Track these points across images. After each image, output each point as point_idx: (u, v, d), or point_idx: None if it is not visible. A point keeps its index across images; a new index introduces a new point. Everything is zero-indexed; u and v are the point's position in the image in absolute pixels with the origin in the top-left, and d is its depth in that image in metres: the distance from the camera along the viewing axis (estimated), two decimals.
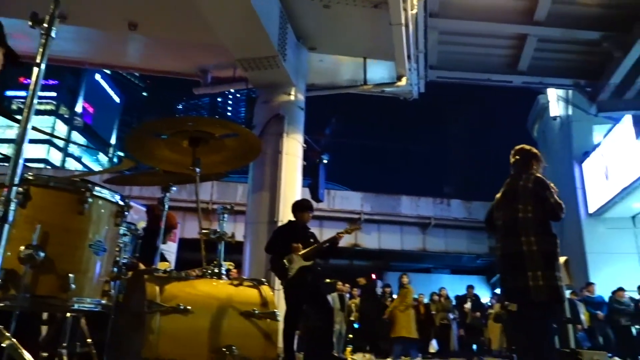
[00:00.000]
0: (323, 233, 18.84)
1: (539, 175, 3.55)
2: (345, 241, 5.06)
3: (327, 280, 10.38)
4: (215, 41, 7.70)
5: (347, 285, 10.79)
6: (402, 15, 7.55)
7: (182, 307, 1.92)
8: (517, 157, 3.74)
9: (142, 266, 2.89)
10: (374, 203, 21.37)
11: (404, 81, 9.69)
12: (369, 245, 20.88)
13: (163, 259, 3.97)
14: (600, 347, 9.71)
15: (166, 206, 2.66)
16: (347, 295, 10.60)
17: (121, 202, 2.07)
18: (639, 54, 9.28)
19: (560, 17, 9.81)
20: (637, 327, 10.42)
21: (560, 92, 16.98)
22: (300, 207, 5.19)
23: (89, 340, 2.32)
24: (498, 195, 3.75)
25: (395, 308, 9.79)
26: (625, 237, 15.86)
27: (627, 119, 12.39)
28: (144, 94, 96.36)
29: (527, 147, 3.78)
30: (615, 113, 12.23)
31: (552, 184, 3.54)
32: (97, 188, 1.95)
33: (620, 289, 10.72)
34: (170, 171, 2.65)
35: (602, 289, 11.29)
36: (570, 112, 17.23)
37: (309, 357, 5.00)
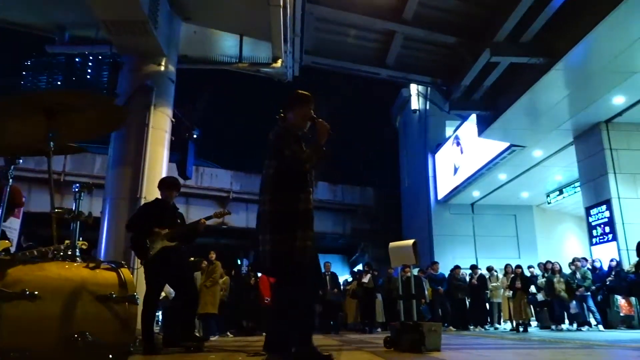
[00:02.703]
0: (190, 211, 18.37)
1: (282, 126, 3.08)
2: (211, 220, 5.00)
3: (192, 259, 10.15)
4: None
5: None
6: None
7: (27, 293, 1.76)
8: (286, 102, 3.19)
9: None
10: (243, 182, 21.31)
11: (279, 63, 9.75)
12: (236, 224, 20.83)
13: (3, 237, 3.56)
14: (438, 319, 11.00)
15: (11, 181, 2.38)
16: None
17: None
18: (486, 62, 10.46)
19: (424, 19, 10.66)
20: (469, 300, 11.96)
21: (421, 88, 18.52)
22: (165, 185, 5.00)
23: None
24: None
25: (201, 284, 9.21)
26: (465, 221, 18.06)
27: (473, 118, 13.99)
28: None
29: (299, 91, 3.18)
30: (464, 112, 13.70)
31: (321, 120, 3.06)
32: None
33: (457, 267, 12.21)
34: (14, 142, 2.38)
35: (444, 267, 12.77)
36: (427, 107, 18.91)
37: (169, 337, 4.88)
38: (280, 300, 2.95)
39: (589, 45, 8.70)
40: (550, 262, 11.01)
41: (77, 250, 2.17)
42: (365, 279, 11.79)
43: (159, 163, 7.72)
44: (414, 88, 19.24)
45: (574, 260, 10.71)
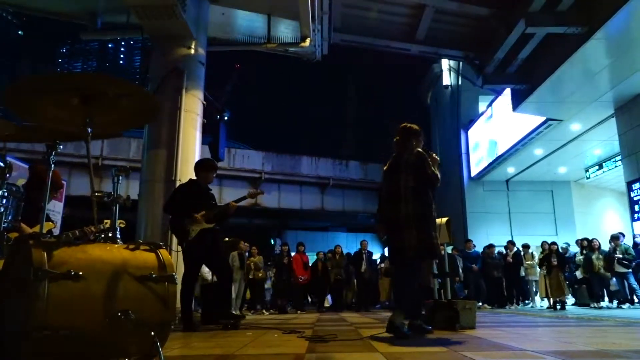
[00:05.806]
0: (223, 192, 18.67)
1: (420, 149, 3.87)
2: (245, 200, 5.08)
3: (227, 239, 10.35)
4: None
5: (246, 244, 10.85)
6: None
7: (72, 273, 1.84)
8: (399, 136, 4.02)
9: (25, 227, 2.69)
10: (275, 162, 21.48)
11: (307, 42, 9.66)
12: (269, 204, 21.09)
13: (47, 219, 3.71)
14: (473, 297, 10.91)
15: (52, 165, 2.47)
16: (246, 253, 10.68)
17: (0, 163, 1.89)
18: (520, 33, 10.09)
19: None
20: (504, 278, 11.79)
21: (452, 63, 18.05)
22: (204, 167, 5.07)
23: None
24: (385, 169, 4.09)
25: None
26: (500, 198, 17.72)
27: (507, 92, 13.58)
28: (20, 32, 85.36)
29: (408, 125, 4.05)
30: (497, 86, 13.31)
31: (434, 154, 3.92)
32: None
33: (491, 246, 12.03)
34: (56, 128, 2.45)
35: (479, 245, 12.60)
36: (460, 82, 18.47)
37: (207, 315, 5.03)
38: (416, 280, 3.85)
39: (631, 11, 8.25)
40: (587, 239, 10.72)
41: (118, 231, 2.24)
42: None
43: (192, 145, 7.83)
44: (445, 63, 18.79)
45: (612, 237, 10.39)
